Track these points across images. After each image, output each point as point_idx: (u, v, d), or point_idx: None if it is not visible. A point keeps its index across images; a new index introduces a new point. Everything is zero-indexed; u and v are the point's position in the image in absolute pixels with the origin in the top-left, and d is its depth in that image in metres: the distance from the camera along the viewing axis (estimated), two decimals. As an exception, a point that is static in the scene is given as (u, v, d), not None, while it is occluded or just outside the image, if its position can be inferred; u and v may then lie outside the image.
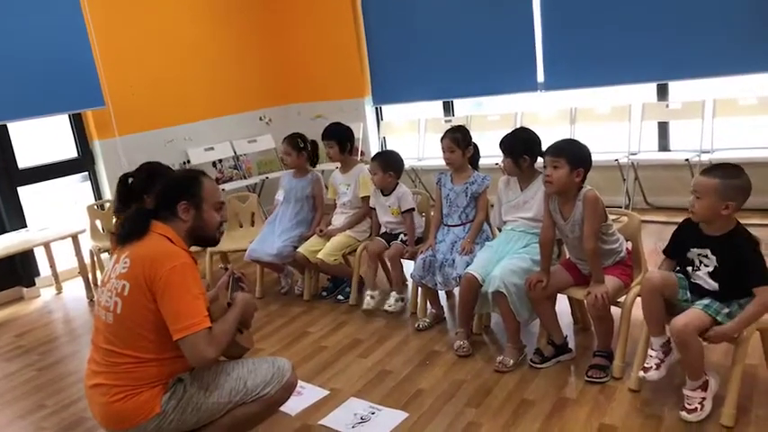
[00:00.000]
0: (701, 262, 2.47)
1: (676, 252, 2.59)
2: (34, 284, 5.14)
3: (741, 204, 2.36)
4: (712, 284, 2.44)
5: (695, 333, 2.35)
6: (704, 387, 2.44)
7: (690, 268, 2.52)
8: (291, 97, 7.05)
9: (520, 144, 3.15)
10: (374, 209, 3.99)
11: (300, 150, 4.21)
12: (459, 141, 3.45)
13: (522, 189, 3.22)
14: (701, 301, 2.43)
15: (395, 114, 6.88)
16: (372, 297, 3.85)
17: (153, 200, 2.34)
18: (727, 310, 2.38)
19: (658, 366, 2.49)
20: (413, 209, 3.82)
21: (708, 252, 2.44)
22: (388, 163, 3.84)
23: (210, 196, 2.31)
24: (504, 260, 3.07)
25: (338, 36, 6.58)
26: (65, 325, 4.50)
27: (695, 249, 2.49)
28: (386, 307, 3.79)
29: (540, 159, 3.02)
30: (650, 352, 2.53)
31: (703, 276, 2.46)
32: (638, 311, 2.65)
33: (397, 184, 3.87)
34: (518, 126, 4.99)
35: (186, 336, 2.05)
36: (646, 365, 2.51)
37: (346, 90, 6.67)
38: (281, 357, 2.38)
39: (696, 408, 2.41)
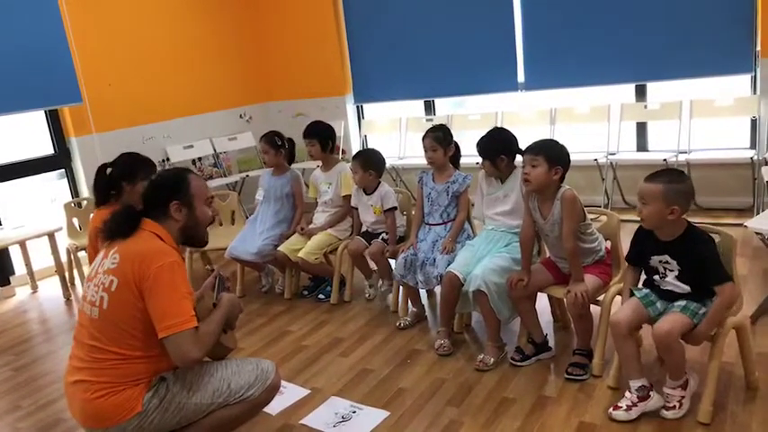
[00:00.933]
0: (665, 269, 2.50)
1: (638, 259, 2.61)
2: (9, 283, 5.05)
3: (686, 208, 2.39)
4: (684, 288, 2.46)
5: (678, 337, 2.37)
6: (684, 386, 2.47)
7: (657, 276, 2.54)
8: (272, 95, 7.01)
9: (496, 145, 3.17)
10: (356, 208, 3.99)
11: (278, 148, 4.18)
12: (440, 140, 3.45)
13: (502, 181, 3.24)
14: (678, 302, 2.45)
15: (376, 113, 6.87)
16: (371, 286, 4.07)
17: (141, 201, 2.32)
18: (704, 310, 2.40)
19: (629, 408, 2.46)
20: (395, 208, 3.82)
21: (667, 258, 2.47)
22: (369, 162, 3.84)
23: (200, 193, 2.32)
24: (485, 259, 3.08)
25: (319, 33, 6.55)
26: (41, 324, 4.43)
27: (655, 257, 2.51)
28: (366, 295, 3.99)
29: (518, 158, 3.04)
30: (626, 393, 2.51)
31: (672, 282, 2.48)
32: (616, 309, 2.67)
33: (380, 182, 3.87)
34: (498, 126, 5.04)
35: (171, 334, 2.04)
36: (618, 404, 2.50)
37: (327, 88, 6.64)
38: (265, 359, 2.37)
39: (675, 406, 2.44)
